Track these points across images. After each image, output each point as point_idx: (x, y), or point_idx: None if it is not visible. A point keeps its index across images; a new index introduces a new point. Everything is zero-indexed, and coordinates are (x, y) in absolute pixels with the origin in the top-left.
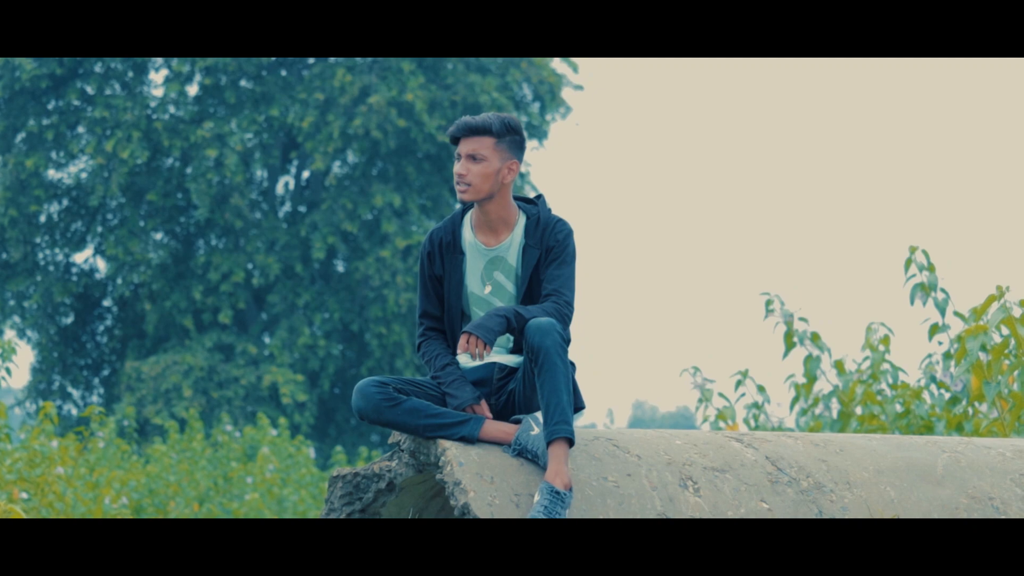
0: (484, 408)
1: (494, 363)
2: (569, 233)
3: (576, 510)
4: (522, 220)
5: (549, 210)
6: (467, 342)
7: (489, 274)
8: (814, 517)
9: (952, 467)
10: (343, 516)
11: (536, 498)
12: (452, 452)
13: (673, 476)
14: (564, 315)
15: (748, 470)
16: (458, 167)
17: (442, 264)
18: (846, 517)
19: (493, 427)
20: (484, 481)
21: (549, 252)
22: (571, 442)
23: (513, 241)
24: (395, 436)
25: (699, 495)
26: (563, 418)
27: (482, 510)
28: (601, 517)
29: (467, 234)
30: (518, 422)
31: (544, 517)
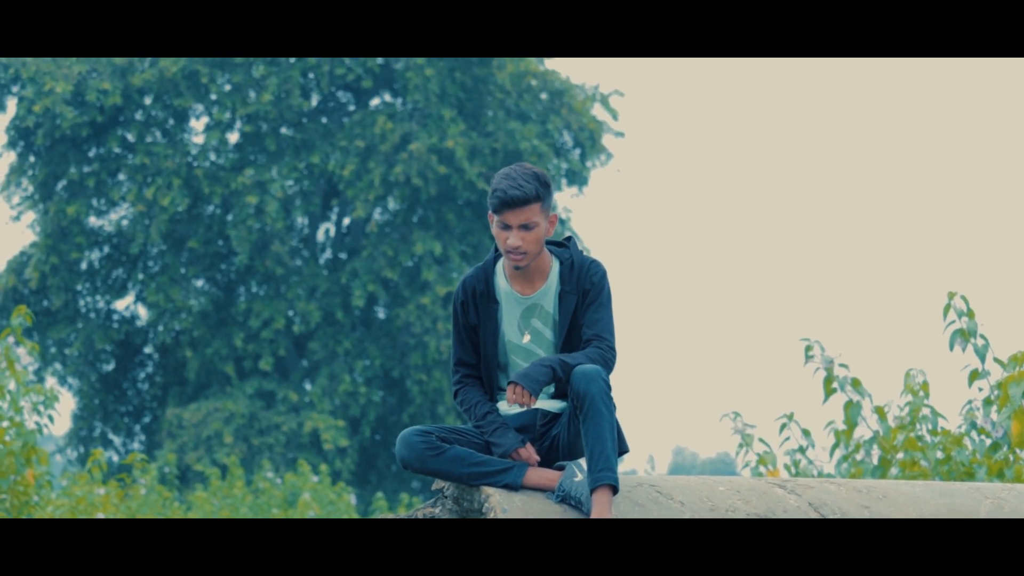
0: (530, 451)
1: (537, 409)
2: (604, 274)
3: None
4: (556, 266)
5: (581, 252)
6: (513, 392)
7: (527, 322)
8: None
9: (995, 513)
10: None
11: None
12: (496, 499)
13: None
14: (607, 360)
15: (791, 517)
16: (512, 240)
17: (476, 313)
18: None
19: (536, 474)
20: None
21: (586, 295)
22: (615, 489)
23: (549, 288)
24: (438, 483)
25: None
26: (607, 465)
27: None
28: None
29: (501, 282)
30: (561, 468)
31: None
